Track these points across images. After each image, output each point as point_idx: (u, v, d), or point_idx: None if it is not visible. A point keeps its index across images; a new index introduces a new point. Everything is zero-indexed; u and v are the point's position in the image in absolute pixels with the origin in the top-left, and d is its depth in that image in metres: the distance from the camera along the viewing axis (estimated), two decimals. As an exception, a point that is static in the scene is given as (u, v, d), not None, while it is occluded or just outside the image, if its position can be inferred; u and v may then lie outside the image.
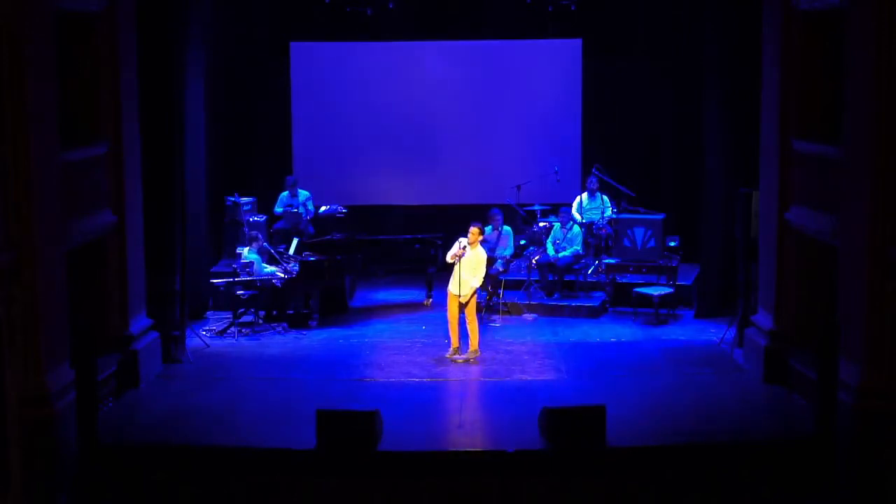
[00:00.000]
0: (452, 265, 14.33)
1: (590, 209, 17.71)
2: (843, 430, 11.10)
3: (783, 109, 13.32)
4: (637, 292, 16.24)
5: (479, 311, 15.99)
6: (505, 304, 16.52)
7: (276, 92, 18.97)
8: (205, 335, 15.49)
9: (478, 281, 14.36)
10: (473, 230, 14.30)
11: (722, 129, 15.81)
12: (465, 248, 14.14)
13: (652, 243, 16.69)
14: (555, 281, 16.92)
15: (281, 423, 12.14)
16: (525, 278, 16.99)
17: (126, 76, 13.23)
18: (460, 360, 14.28)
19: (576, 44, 18.97)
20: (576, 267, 16.89)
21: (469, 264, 14.18)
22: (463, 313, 14.30)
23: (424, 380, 13.73)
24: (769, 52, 13.65)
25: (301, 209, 17.90)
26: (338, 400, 12.78)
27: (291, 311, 16.24)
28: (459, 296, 14.19)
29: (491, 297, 16.37)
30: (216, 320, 16.33)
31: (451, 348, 14.38)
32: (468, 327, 14.35)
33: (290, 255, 16.23)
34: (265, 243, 16.34)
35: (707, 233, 16.30)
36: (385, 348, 15.00)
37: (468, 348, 14.37)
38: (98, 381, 11.93)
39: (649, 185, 18.27)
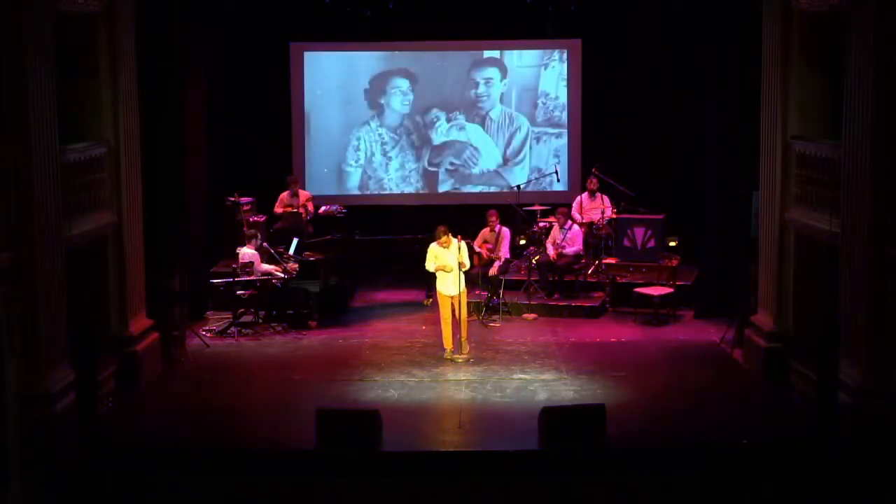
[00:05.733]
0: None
1: (590, 209, 17.71)
2: (843, 431, 11.10)
3: (783, 109, 13.33)
4: (637, 292, 16.24)
5: (479, 311, 16.06)
6: (505, 304, 16.51)
7: (276, 92, 18.98)
8: (205, 335, 15.48)
9: (466, 263, 14.35)
10: (442, 230, 14.21)
11: (722, 129, 15.81)
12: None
13: (652, 243, 16.67)
14: (555, 281, 16.91)
15: (281, 423, 12.14)
16: (525, 278, 16.99)
17: (126, 76, 13.24)
18: (460, 360, 14.27)
19: (576, 44, 19.00)
20: (576, 267, 16.88)
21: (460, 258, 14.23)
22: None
23: (424, 380, 13.73)
24: (769, 52, 13.64)
25: (301, 209, 17.89)
26: (338, 400, 12.79)
27: (291, 311, 16.22)
28: (456, 295, 14.18)
29: (491, 297, 16.36)
30: (216, 320, 16.32)
31: (447, 350, 14.36)
32: (461, 329, 14.34)
33: (289, 255, 16.21)
34: (264, 243, 16.33)
35: (707, 233, 16.30)
36: (385, 348, 14.99)
37: (457, 349, 14.36)
38: (98, 381, 11.94)
39: (649, 185, 18.25)
